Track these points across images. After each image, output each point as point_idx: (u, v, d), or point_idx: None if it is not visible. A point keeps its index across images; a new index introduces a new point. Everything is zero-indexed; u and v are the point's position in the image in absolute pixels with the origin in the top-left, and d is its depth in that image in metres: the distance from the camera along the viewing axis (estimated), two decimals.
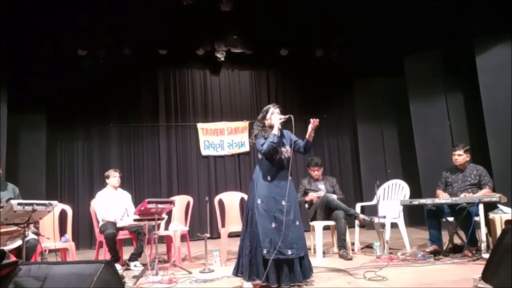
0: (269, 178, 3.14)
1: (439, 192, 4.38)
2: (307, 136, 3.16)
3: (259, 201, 3.08)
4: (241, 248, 3.13)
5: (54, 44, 6.17)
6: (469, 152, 4.34)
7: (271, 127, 3.21)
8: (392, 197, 4.94)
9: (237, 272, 3.12)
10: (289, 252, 2.98)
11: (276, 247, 2.94)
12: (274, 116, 3.22)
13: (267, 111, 3.27)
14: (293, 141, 3.21)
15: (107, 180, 4.71)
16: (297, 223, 3.11)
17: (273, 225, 3.02)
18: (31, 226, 3.21)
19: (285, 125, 3.26)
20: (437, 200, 4.07)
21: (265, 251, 2.96)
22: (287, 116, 3.15)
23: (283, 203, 3.07)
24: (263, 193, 3.10)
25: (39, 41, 6.05)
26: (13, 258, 3.13)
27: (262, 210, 3.06)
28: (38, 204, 3.00)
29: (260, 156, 3.21)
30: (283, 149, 3.19)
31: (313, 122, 3.08)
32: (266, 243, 2.98)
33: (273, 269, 2.95)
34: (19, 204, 2.87)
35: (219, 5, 5.82)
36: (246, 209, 3.24)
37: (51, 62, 6.56)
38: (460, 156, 4.29)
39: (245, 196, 4.33)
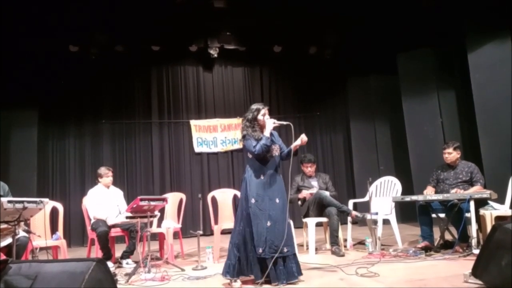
0: (262, 177, 3.15)
1: (428, 188, 4.43)
2: (292, 146, 3.20)
3: (253, 201, 3.08)
4: (230, 247, 3.12)
5: (46, 41, 6.09)
6: (460, 149, 4.38)
7: (262, 127, 3.22)
8: (384, 193, 4.97)
9: (226, 273, 3.09)
10: (285, 250, 3.02)
11: (272, 246, 2.97)
12: (268, 119, 3.22)
13: (258, 111, 3.24)
14: (280, 141, 3.31)
15: (99, 179, 4.60)
16: (288, 220, 3.14)
17: (268, 223, 3.03)
18: (22, 224, 3.17)
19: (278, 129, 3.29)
20: (428, 197, 4.10)
21: (260, 250, 2.97)
22: (285, 123, 3.21)
23: (277, 201, 3.11)
24: (257, 192, 3.10)
25: (31, 38, 5.97)
26: (3, 257, 3.11)
27: (256, 209, 3.06)
28: (29, 202, 2.96)
29: (250, 155, 3.21)
30: (273, 147, 3.24)
31: (303, 140, 3.17)
32: (261, 242, 2.98)
33: (272, 267, 2.96)
34: (9, 201, 2.82)
35: (212, 2, 5.79)
36: (239, 208, 3.23)
37: (43, 59, 6.48)
38: (450, 154, 4.33)
39: (238, 193, 4.33)
